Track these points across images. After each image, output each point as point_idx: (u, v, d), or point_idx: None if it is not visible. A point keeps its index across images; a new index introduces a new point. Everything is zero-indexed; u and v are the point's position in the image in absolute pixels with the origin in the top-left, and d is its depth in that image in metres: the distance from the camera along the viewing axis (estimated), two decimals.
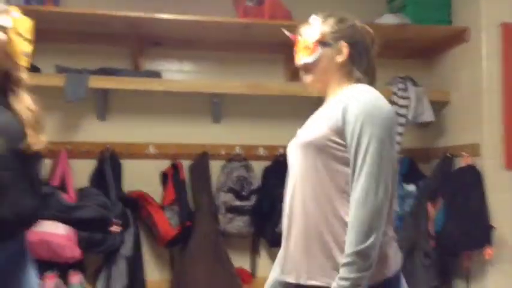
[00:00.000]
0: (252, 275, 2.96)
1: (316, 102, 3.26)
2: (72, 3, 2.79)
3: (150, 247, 2.89)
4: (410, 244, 2.75)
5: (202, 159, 2.89)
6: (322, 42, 1.39)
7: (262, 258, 3.02)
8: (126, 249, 2.67)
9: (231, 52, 3.03)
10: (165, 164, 2.90)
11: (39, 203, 1.50)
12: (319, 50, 1.39)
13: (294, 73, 3.03)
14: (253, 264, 2.99)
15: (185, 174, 2.89)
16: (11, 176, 1.39)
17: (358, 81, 1.39)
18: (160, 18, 2.63)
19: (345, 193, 1.28)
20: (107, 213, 2.19)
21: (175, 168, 2.87)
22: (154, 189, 2.85)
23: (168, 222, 2.74)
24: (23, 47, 1.44)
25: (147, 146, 2.90)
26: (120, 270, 2.62)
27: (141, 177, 2.88)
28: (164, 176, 2.88)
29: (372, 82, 1.41)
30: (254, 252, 2.99)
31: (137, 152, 2.89)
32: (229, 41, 2.97)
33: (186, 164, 2.91)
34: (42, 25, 2.63)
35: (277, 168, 2.94)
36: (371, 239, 1.20)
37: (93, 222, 2.01)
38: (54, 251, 2.41)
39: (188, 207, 2.82)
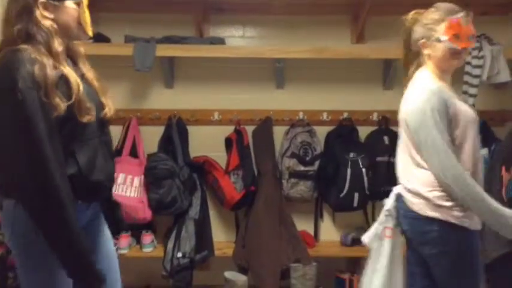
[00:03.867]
0: (315, 238, 3.00)
1: (383, 65, 3.16)
2: None
3: (216, 210, 3.00)
4: None
5: (265, 124, 2.91)
6: None
7: (326, 222, 3.04)
8: (194, 212, 2.79)
9: (294, 16, 2.98)
10: (229, 130, 2.96)
11: (114, 165, 1.61)
12: None
13: (360, 34, 2.95)
14: (316, 228, 3.02)
15: (249, 139, 2.93)
16: (97, 142, 1.48)
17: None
18: None
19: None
20: None
21: (239, 133, 2.92)
22: (219, 155, 2.93)
23: (233, 187, 2.81)
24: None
25: (212, 112, 2.96)
26: (188, 232, 2.75)
27: (207, 143, 2.96)
28: (228, 142, 2.94)
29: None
30: (317, 216, 3.01)
31: (202, 118, 2.96)
32: (292, 4, 2.91)
33: (249, 129, 2.95)
34: None
35: (341, 132, 2.92)
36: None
37: None
38: (127, 213, 2.56)
39: (252, 172, 2.88)
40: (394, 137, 2.91)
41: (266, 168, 2.86)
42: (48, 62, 1.32)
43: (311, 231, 3.01)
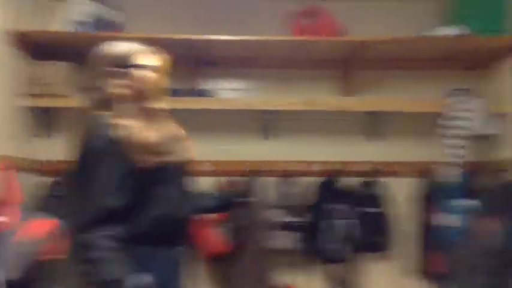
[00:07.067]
0: None
1: (372, 118, 3.22)
2: (132, 29, 2.93)
3: (202, 263, 2.93)
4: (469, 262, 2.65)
5: (254, 176, 2.92)
6: None
7: (315, 275, 2.99)
8: None
9: (286, 70, 3.07)
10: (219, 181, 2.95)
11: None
12: None
13: (350, 90, 3.04)
14: (306, 281, 2.97)
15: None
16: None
17: None
18: (218, 39, 2.71)
19: None
20: None
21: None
22: None
23: (219, 239, 2.78)
24: (166, 83, 1.66)
25: (203, 163, 2.96)
26: None
27: None
28: None
29: None
30: (307, 268, 2.97)
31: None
32: (284, 59, 3.01)
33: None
34: None
35: (330, 184, 2.93)
36: None
37: None
38: None
39: (240, 224, 2.85)
40: (382, 189, 2.96)
41: (254, 219, 2.84)
42: None
43: (300, 285, 2.95)
